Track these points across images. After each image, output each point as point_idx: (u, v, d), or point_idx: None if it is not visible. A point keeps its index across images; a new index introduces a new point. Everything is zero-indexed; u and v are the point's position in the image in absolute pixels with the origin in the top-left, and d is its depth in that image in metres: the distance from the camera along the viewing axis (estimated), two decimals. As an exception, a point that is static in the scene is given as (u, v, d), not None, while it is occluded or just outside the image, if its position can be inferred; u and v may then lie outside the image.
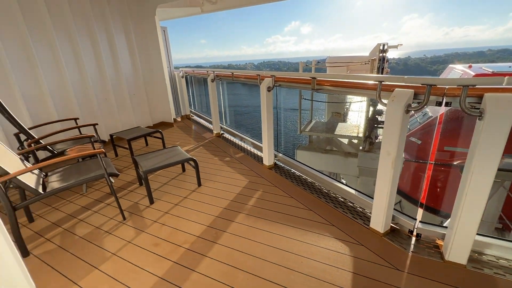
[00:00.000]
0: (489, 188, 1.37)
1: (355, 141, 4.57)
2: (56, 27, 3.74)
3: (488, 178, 1.35)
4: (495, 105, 1.27)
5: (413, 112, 1.62)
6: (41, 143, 2.84)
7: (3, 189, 1.77)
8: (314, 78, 2.26)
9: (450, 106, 1.51)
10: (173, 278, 1.68)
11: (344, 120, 5.39)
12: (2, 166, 1.81)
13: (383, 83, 1.72)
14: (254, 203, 2.50)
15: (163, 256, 1.87)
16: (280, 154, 3.32)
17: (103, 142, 3.42)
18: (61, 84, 3.89)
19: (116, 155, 3.98)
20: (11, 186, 1.98)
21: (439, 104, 1.54)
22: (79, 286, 1.66)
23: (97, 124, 3.29)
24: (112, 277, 1.71)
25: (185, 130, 5.24)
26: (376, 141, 4.08)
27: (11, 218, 1.84)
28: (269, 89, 2.90)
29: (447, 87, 1.45)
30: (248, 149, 3.96)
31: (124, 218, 2.36)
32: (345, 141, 4.62)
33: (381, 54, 5.62)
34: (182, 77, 6.02)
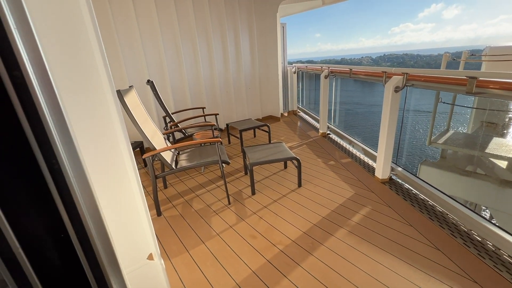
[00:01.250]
0: None
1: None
2: (198, 28, 4.47)
3: None
4: None
5: None
6: (178, 126, 3.50)
7: (151, 160, 2.26)
8: (473, 77, 1.66)
9: None
10: (265, 277, 1.67)
11: (502, 134, 3.91)
12: (153, 144, 2.31)
13: None
14: (360, 220, 2.17)
15: (258, 251, 1.91)
16: (399, 168, 2.74)
17: (220, 130, 3.88)
18: (196, 78, 4.68)
19: (229, 142, 4.46)
20: (156, 159, 2.52)
21: None
22: (190, 254, 1.93)
23: (218, 114, 3.75)
24: (214, 256, 1.89)
25: (291, 126, 5.26)
26: None
27: (153, 184, 2.34)
28: (396, 90, 2.40)
29: None
30: (357, 155, 3.52)
31: (229, 203, 2.58)
32: (503, 163, 3.33)
33: None
34: (294, 72, 6.03)
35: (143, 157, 2.24)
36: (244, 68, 5.26)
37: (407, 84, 2.35)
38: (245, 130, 3.89)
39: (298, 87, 6.31)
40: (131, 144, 3.27)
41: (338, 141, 4.12)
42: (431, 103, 3.53)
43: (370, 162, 3.25)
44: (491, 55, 4.43)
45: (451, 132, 3.94)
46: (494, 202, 2.95)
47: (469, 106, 4.27)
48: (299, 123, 5.44)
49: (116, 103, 0.89)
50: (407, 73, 2.29)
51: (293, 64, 6.12)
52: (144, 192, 2.86)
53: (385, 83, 2.52)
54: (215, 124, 3.62)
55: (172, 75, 4.37)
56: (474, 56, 4.63)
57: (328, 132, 4.52)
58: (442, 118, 4.17)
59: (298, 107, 6.45)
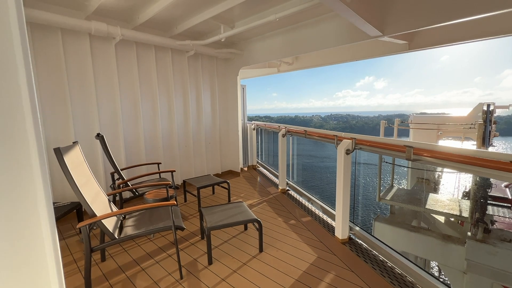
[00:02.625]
0: None
1: (453, 218, 3.60)
2: (160, 84, 4.52)
3: None
4: None
5: None
6: (128, 184, 3.16)
7: (88, 230, 1.90)
8: (410, 147, 1.90)
9: None
10: None
11: (435, 190, 4.44)
12: (92, 209, 1.98)
13: (528, 166, 1.25)
14: (325, 290, 2.04)
15: None
16: (357, 228, 2.80)
17: (176, 188, 3.62)
18: (154, 131, 4.52)
19: (185, 200, 4.14)
20: (94, 228, 2.14)
21: None
22: None
23: (174, 170, 3.54)
24: None
25: (251, 181, 5.21)
26: (494, 227, 3.06)
27: (87, 259, 1.92)
28: (347, 152, 2.61)
29: None
30: (316, 213, 3.55)
31: (182, 277, 2.22)
32: (441, 218, 3.69)
33: (483, 114, 4.69)
34: (254, 129, 6.30)
35: (77, 226, 1.88)
36: (205, 123, 5.33)
37: (356, 147, 2.59)
38: (203, 187, 3.70)
39: (257, 142, 6.53)
40: (66, 205, 2.78)
41: (298, 198, 4.15)
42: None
43: (330, 221, 3.28)
44: (415, 123, 5.38)
45: (395, 188, 4.33)
46: (440, 256, 3.13)
47: (404, 165, 4.85)
48: (259, 179, 5.44)
49: (40, 162, 0.72)
50: (355, 138, 2.54)
51: (253, 122, 6.44)
52: (74, 269, 2.34)
53: (337, 146, 2.73)
54: (171, 182, 3.38)
55: (127, 128, 4.15)
56: (404, 123, 5.56)
57: (288, 188, 4.57)
58: (390, 173, 4.60)
59: (257, 162, 6.55)
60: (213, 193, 4.52)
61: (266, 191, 4.55)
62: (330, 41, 4.07)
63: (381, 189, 4.12)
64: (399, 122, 5.29)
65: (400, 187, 4.84)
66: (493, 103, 4.53)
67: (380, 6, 3.30)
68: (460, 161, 1.61)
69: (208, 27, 4.53)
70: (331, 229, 3.03)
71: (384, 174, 4.48)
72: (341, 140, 2.72)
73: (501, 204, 4.28)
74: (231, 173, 5.82)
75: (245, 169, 6.25)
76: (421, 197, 3.99)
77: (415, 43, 4.45)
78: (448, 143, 5.84)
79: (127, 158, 4.15)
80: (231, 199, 4.03)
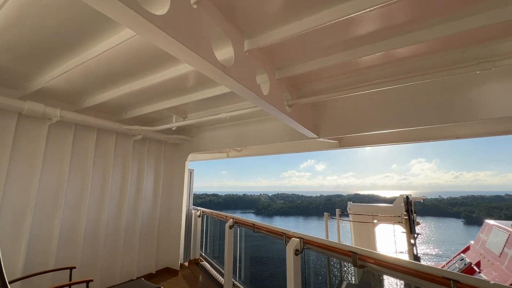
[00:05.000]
0: None
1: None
2: (96, 167, 4.07)
3: None
4: None
5: None
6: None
7: None
8: (355, 253, 1.92)
9: None
10: None
11: (380, 284, 4.43)
12: None
13: (458, 283, 1.34)
14: None
15: None
16: None
17: (90, 304, 2.78)
18: (75, 223, 3.75)
19: (100, 319, 3.17)
20: None
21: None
22: None
23: (91, 280, 2.79)
24: None
25: (191, 283, 4.43)
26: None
27: None
28: (296, 253, 2.51)
29: None
30: (266, 325, 3.05)
31: None
32: (392, 320, 3.55)
33: (405, 205, 5.41)
34: (199, 216, 5.86)
35: None
36: (142, 212, 4.74)
37: (304, 247, 2.52)
38: (128, 300, 2.93)
39: (202, 231, 5.97)
40: None
41: (245, 305, 3.59)
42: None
43: (281, 336, 2.81)
44: (353, 214, 5.84)
45: (345, 283, 4.17)
46: None
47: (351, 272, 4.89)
48: (201, 278, 4.69)
49: None
50: (302, 238, 2.50)
51: (198, 208, 6.04)
52: None
53: (286, 245, 2.62)
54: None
55: (37, 220, 3.36)
56: (344, 214, 5.97)
57: (234, 290, 3.98)
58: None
59: (201, 255, 5.81)
60: (141, 304, 3.61)
61: (209, 297, 3.86)
62: (275, 137, 4.51)
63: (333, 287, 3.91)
64: (339, 212, 5.66)
65: (351, 281, 4.71)
66: (410, 195, 5.30)
67: (314, 117, 3.94)
68: (400, 271, 1.66)
69: (160, 115, 4.65)
70: None
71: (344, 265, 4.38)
72: (290, 239, 2.65)
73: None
74: (168, 272, 4.92)
75: (186, 264, 5.41)
76: (370, 294, 3.88)
77: (343, 142, 5.27)
78: (384, 228, 6.30)
79: (28, 261, 3.19)
80: (163, 313, 3.24)
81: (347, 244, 2.15)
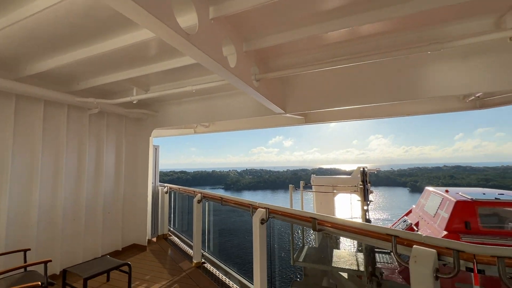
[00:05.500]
0: None
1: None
2: (46, 143, 3.70)
3: None
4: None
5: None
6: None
7: None
8: (315, 219, 2.10)
9: (483, 274, 1.30)
10: None
11: (337, 245, 4.95)
12: None
13: (398, 238, 1.55)
14: None
15: None
16: (276, 303, 2.69)
17: (51, 284, 2.68)
18: (25, 203, 3.46)
19: (63, 298, 3.09)
20: None
21: (470, 270, 1.33)
22: None
23: (50, 260, 2.66)
24: None
25: (160, 256, 4.48)
26: (383, 278, 3.56)
27: None
28: (262, 222, 2.66)
29: (476, 254, 1.29)
30: (234, 288, 3.27)
31: None
32: (345, 274, 4.04)
33: (362, 176, 5.95)
34: (166, 192, 5.78)
35: None
36: (104, 189, 4.52)
37: (270, 216, 2.67)
38: (93, 276, 2.89)
39: (170, 207, 5.94)
40: None
41: (215, 273, 3.77)
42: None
43: (248, 296, 3.05)
44: (316, 185, 6.28)
45: (306, 248, 4.58)
46: (351, 317, 3.30)
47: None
48: (170, 251, 4.76)
49: None
50: (268, 208, 2.64)
51: (165, 184, 5.93)
52: None
53: (252, 215, 2.76)
54: (39, 283, 2.50)
55: (-21, 202, 3.02)
56: (307, 186, 6.37)
57: (203, 261, 4.14)
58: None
59: (169, 230, 5.83)
60: (108, 279, 3.59)
61: (178, 268, 3.97)
62: (243, 113, 4.49)
63: (295, 252, 4.27)
64: (303, 185, 6.03)
65: (311, 245, 5.17)
66: (366, 166, 5.81)
67: (282, 93, 3.97)
68: (353, 231, 1.88)
69: (119, 87, 4.29)
70: (250, 308, 2.80)
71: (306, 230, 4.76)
72: (256, 209, 2.78)
73: (383, 250, 5.15)
74: (135, 248, 4.89)
75: (154, 240, 5.41)
76: (327, 254, 4.33)
77: (309, 118, 5.46)
78: (342, 197, 6.91)
79: (-29, 246, 2.91)
80: (132, 285, 3.27)
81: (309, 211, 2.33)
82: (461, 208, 4.82)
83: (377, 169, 6.02)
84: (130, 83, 3.94)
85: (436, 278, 1.34)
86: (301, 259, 4.20)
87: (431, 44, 2.29)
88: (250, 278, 3.20)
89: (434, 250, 1.40)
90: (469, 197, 4.89)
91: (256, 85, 2.96)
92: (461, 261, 1.33)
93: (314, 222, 2.10)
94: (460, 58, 3.03)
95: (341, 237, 5.53)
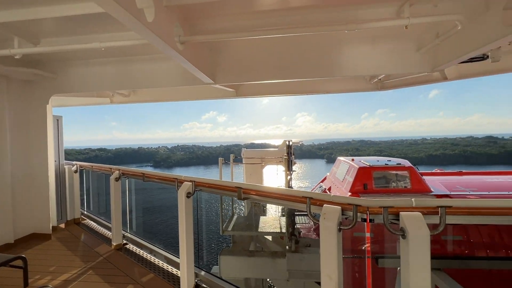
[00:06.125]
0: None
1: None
2: None
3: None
4: (413, 224, 1.38)
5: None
6: None
7: None
8: (240, 188, 2.13)
9: (373, 222, 1.58)
10: None
11: (264, 212, 5.34)
12: None
13: (311, 199, 1.72)
14: None
15: None
16: (203, 273, 2.73)
17: None
18: None
19: None
20: None
21: (364, 220, 1.59)
22: None
23: None
24: None
25: (70, 244, 3.90)
26: (301, 236, 4.07)
27: None
28: (188, 195, 2.56)
29: (369, 206, 1.53)
30: (160, 265, 3.15)
31: None
32: (269, 237, 4.43)
33: (287, 149, 6.44)
34: (76, 171, 4.94)
35: None
36: (-21, 170, 3.50)
37: (196, 189, 2.59)
38: (-32, 279, 2.28)
39: (82, 189, 5.14)
40: None
41: (138, 252, 3.53)
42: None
43: (175, 271, 3.00)
44: (246, 158, 6.48)
45: (235, 217, 4.77)
46: (271, 273, 3.69)
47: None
48: (83, 237, 4.20)
49: None
50: (194, 181, 2.54)
51: (75, 162, 5.04)
52: None
53: (178, 189, 2.62)
54: None
55: None
56: (237, 159, 6.51)
57: (125, 242, 3.81)
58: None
59: (83, 214, 5.10)
60: (-6, 279, 2.92)
61: (94, 253, 3.54)
62: (167, 81, 4.09)
63: (225, 222, 4.39)
64: (233, 158, 6.13)
65: (240, 214, 5.41)
66: (291, 140, 6.28)
67: (211, 61, 3.74)
68: (275, 197, 1.99)
69: (-10, 34, 3.20)
70: (176, 281, 2.76)
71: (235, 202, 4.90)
72: (182, 183, 2.64)
73: (302, 213, 5.86)
74: (36, 238, 4.10)
75: (62, 226, 4.65)
76: (254, 221, 4.63)
77: (240, 91, 5.41)
78: (269, 169, 7.37)
79: None
80: (29, 281, 2.75)
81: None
82: (362, 173, 5.84)
83: (300, 142, 6.61)
84: (7, 30, 2.99)
85: (339, 230, 1.55)
86: (230, 228, 4.37)
87: (348, 24, 2.47)
88: (178, 253, 3.14)
89: (339, 207, 1.61)
90: (368, 164, 5.96)
91: (181, 48, 2.67)
92: (358, 214, 1.58)
93: (240, 191, 2.13)
94: (370, 42, 3.43)
95: (267, 205, 5.99)
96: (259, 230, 4.29)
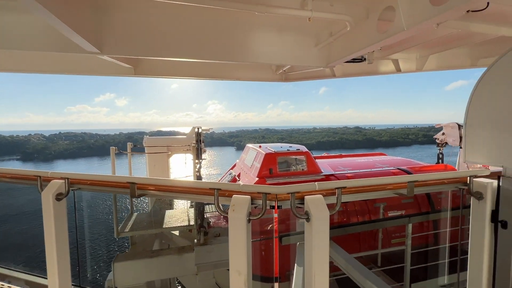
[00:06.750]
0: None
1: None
2: None
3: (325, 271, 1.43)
4: (316, 207, 1.43)
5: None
6: None
7: None
8: (133, 183, 1.73)
9: (281, 208, 1.57)
10: None
11: (171, 206, 4.89)
12: None
13: (220, 190, 1.55)
14: None
15: None
16: (86, 291, 2.16)
17: None
18: None
19: None
20: None
21: (272, 207, 1.56)
22: None
23: None
24: None
25: None
26: (211, 225, 3.91)
27: None
28: (59, 198, 1.92)
29: (278, 194, 1.50)
30: (19, 293, 2.32)
31: None
32: (177, 232, 4.08)
33: (196, 136, 6.08)
34: None
35: None
36: None
37: (72, 188, 1.97)
38: None
39: None
40: None
41: (-21, 282, 2.49)
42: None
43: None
44: (148, 146, 5.70)
45: (135, 215, 4.13)
46: (179, 270, 3.41)
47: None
48: None
49: None
50: (67, 178, 1.92)
51: None
52: None
53: (42, 191, 1.93)
54: None
55: None
56: (136, 147, 5.63)
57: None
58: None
59: None
60: None
61: None
62: (30, 42, 3.01)
63: (121, 222, 3.72)
64: (131, 146, 5.24)
65: (144, 211, 4.77)
66: (201, 127, 5.96)
67: (95, 24, 2.93)
68: (178, 191, 1.71)
69: None
70: (46, 311, 2.09)
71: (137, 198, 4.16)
72: (49, 181, 1.96)
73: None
74: None
75: None
76: (160, 217, 4.16)
77: (140, 69, 4.63)
78: (178, 158, 6.84)
79: None
80: None
81: (127, 176, 1.91)
82: (268, 159, 6.22)
83: (211, 129, 6.38)
84: None
85: (249, 221, 1.46)
86: (127, 229, 3.74)
87: (258, 5, 2.38)
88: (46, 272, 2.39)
89: (248, 196, 1.51)
90: (273, 150, 6.39)
91: (41, -5, 1.90)
92: (268, 202, 1.53)
93: (133, 187, 1.73)
94: (276, 31, 3.51)
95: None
96: (165, 226, 3.87)
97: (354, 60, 3.93)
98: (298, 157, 6.57)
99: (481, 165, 2.23)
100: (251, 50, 3.46)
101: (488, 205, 1.80)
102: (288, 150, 6.71)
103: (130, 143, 5.16)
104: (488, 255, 1.83)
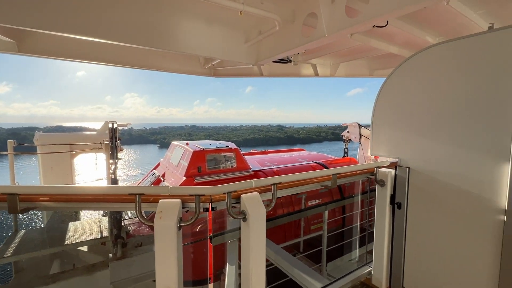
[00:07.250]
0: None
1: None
2: None
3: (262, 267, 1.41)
4: (252, 206, 1.38)
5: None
6: None
7: None
8: (14, 194, 1.27)
9: (215, 210, 1.45)
10: None
11: (77, 217, 4.04)
12: None
13: (143, 196, 1.30)
14: None
15: None
16: None
17: None
18: None
19: None
20: None
21: (206, 210, 1.43)
22: None
23: None
24: None
25: None
26: (130, 233, 3.36)
27: None
28: None
29: (212, 194, 1.38)
30: None
31: None
32: (85, 248, 3.37)
33: (110, 132, 5.21)
34: None
35: None
36: None
37: None
38: None
39: None
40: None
41: None
42: None
43: None
44: (41, 144, 4.50)
45: (22, 233, 3.21)
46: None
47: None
48: None
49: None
50: None
51: None
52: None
53: None
54: None
55: None
56: (23, 145, 4.35)
57: None
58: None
59: None
60: None
61: None
62: None
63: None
64: (15, 145, 3.95)
65: (34, 227, 3.77)
66: (116, 122, 5.15)
67: None
68: (85, 200, 1.35)
69: None
70: None
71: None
72: None
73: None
74: None
75: None
76: (59, 232, 3.36)
77: (26, 46, 3.60)
78: (86, 158, 5.73)
79: None
80: None
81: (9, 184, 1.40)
82: (196, 156, 5.93)
83: (128, 124, 5.59)
84: None
85: (179, 228, 1.28)
86: (9, 253, 2.85)
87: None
88: None
89: (178, 200, 1.33)
90: (202, 147, 6.13)
91: None
92: (201, 204, 1.38)
93: (14, 200, 1.27)
94: (206, 21, 3.32)
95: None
96: (67, 242, 3.14)
97: (280, 61, 4.13)
98: (227, 154, 6.52)
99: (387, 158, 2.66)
100: (176, 37, 3.15)
101: (388, 190, 2.16)
102: (217, 147, 6.57)
103: (13, 140, 3.89)
104: (388, 230, 2.20)
